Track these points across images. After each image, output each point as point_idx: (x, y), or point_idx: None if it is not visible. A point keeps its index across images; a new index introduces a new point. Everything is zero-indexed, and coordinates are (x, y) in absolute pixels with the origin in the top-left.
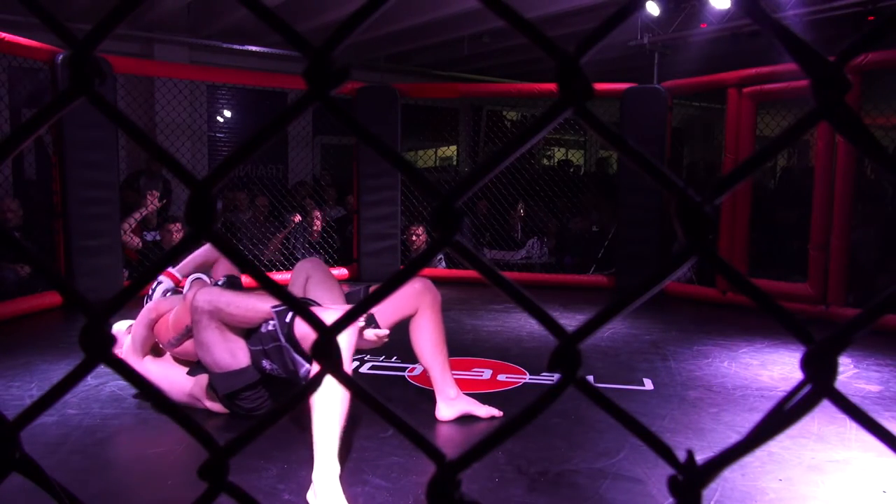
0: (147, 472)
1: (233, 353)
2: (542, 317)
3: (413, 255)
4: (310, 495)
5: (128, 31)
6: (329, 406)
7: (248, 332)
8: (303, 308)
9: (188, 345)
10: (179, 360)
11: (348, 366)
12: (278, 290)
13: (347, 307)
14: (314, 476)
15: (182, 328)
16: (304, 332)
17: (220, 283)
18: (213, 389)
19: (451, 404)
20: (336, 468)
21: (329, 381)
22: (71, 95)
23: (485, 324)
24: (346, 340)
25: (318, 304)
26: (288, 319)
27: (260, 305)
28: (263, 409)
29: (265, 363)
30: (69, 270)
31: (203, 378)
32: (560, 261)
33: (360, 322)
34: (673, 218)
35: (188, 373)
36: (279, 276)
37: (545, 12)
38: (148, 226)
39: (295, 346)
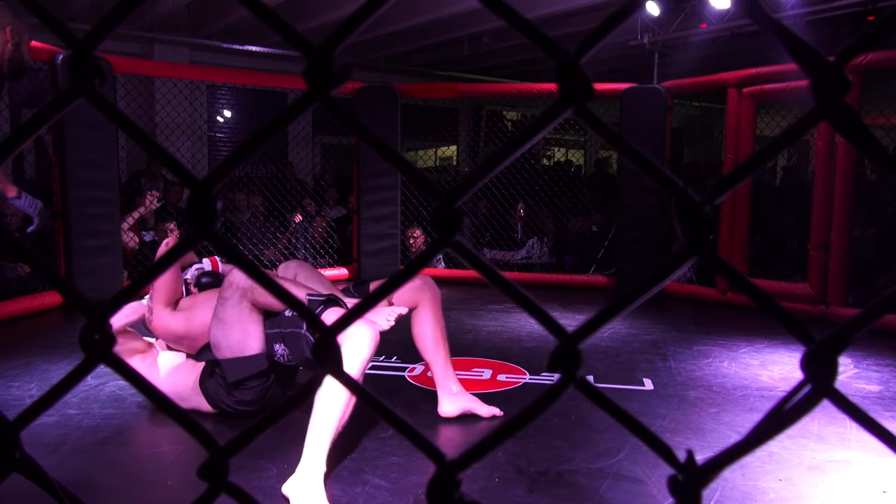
0: (147, 472)
1: (247, 338)
2: (542, 317)
3: (412, 256)
4: (287, 487)
5: (128, 31)
6: (330, 406)
7: (268, 315)
8: (305, 309)
9: (179, 327)
10: (172, 348)
11: (360, 369)
12: (280, 291)
13: (379, 322)
14: (298, 469)
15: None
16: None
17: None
18: (205, 377)
19: (453, 399)
20: (322, 468)
21: (334, 382)
22: (71, 95)
23: (485, 324)
24: (367, 344)
25: (343, 301)
26: (318, 311)
27: (294, 290)
28: (253, 406)
29: (277, 347)
30: (69, 270)
31: (198, 386)
32: (560, 261)
33: (383, 326)
34: (673, 218)
35: (195, 357)
36: None
37: (545, 12)
38: (146, 226)
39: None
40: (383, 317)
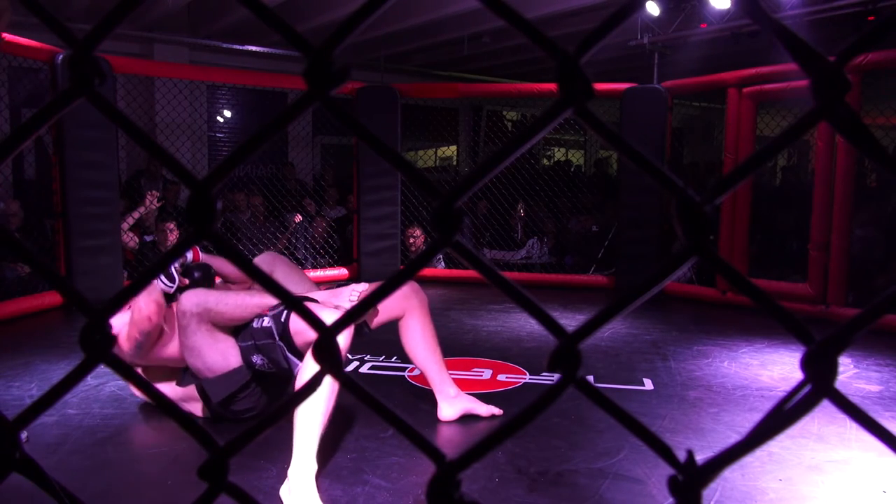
0: (147, 472)
1: (224, 355)
2: (542, 317)
3: (412, 256)
4: (283, 490)
5: (128, 31)
6: (312, 404)
7: (237, 329)
8: (303, 308)
9: (162, 351)
10: (155, 372)
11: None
12: (279, 291)
13: (342, 305)
14: (290, 472)
15: (134, 342)
16: (299, 329)
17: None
18: (205, 398)
19: (452, 403)
20: (313, 466)
21: (321, 397)
22: (71, 95)
23: (485, 324)
24: (341, 342)
25: (316, 302)
26: (283, 318)
27: (250, 301)
28: (255, 410)
29: (255, 358)
30: (69, 270)
31: (192, 389)
32: (560, 261)
33: (346, 305)
34: (673, 218)
35: (177, 384)
36: None
37: (545, 12)
38: (146, 227)
39: (289, 343)
40: (345, 298)
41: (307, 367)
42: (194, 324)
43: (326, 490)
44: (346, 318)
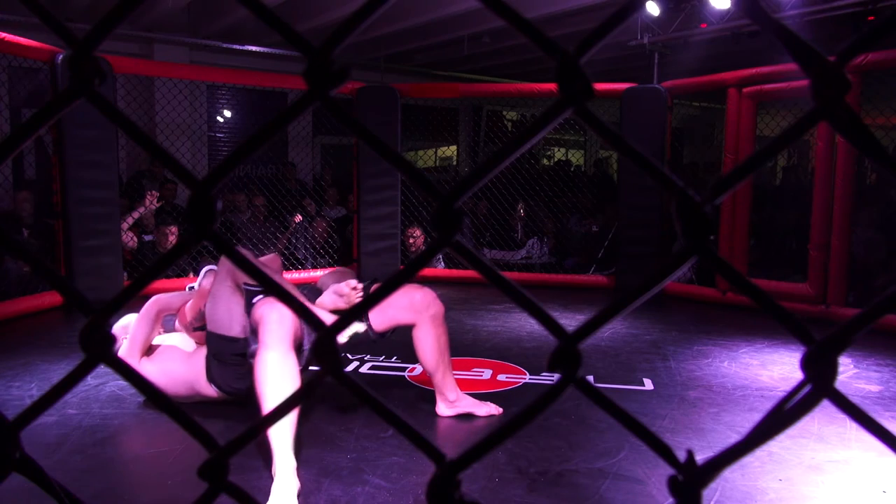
0: (147, 472)
1: (230, 316)
2: (542, 317)
3: (412, 256)
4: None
5: (128, 31)
6: (279, 398)
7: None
8: (301, 306)
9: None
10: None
11: (287, 341)
12: (278, 290)
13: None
14: (274, 473)
15: (197, 311)
16: (258, 316)
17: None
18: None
19: (450, 406)
20: (292, 463)
21: (276, 377)
22: (71, 95)
23: (485, 324)
24: (277, 319)
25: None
26: (255, 301)
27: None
28: (245, 393)
29: (252, 339)
30: (69, 270)
31: (203, 373)
32: (560, 261)
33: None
34: (673, 218)
35: (194, 329)
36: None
37: (545, 12)
38: (145, 228)
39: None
40: (345, 291)
41: (268, 354)
42: (223, 272)
43: (326, 490)
44: (346, 318)
